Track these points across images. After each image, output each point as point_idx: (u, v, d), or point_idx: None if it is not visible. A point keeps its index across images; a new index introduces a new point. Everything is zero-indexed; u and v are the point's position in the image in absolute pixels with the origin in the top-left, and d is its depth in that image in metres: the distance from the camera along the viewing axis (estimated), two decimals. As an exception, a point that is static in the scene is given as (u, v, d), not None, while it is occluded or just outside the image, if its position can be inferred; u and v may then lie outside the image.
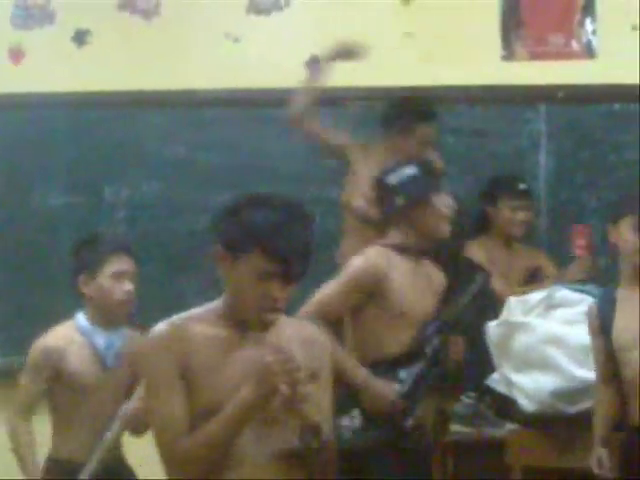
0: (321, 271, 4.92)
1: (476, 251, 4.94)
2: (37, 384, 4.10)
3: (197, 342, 2.70)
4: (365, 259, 4.08)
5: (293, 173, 5.46)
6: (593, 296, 4.61)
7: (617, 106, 5.40)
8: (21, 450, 4.14)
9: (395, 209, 4.08)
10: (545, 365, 4.52)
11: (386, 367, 4.02)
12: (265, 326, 2.71)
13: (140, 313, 4.21)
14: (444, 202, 4.15)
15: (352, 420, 3.99)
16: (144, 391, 2.88)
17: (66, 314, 4.96)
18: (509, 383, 4.54)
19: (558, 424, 4.52)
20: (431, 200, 4.04)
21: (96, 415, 3.83)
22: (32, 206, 5.66)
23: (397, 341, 4.02)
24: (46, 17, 5.68)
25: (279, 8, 5.57)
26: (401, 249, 4.06)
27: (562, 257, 5.13)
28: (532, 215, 5.07)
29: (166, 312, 3.18)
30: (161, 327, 2.78)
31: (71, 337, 4.10)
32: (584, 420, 4.39)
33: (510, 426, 4.57)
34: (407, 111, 5.10)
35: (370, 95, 5.32)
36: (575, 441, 4.50)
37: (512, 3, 5.52)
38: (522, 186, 5.04)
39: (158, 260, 5.01)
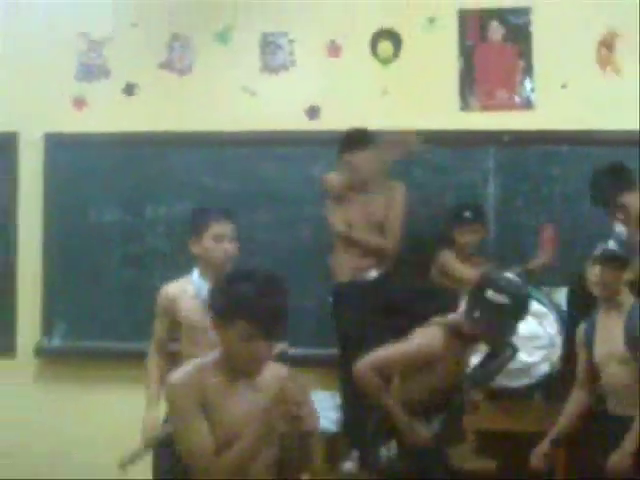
0: (315, 274, 5.50)
1: (449, 256, 5.17)
2: (163, 323, 4.41)
3: (206, 387, 2.89)
4: (428, 340, 4.13)
5: (293, 197, 5.73)
6: (534, 297, 4.83)
7: (550, 148, 5.61)
8: (148, 380, 4.39)
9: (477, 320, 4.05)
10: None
11: (422, 411, 4.18)
12: (254, 374, 2.94)
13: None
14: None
15: (389, 450, 4.18)
16: (174, 422, 3.00)
17: (114, 304, 5.87)
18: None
19: (504, 396, 4.90)
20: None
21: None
22: (90, 221, 6.01)
23: (435, 392, 4.17)
24: (103, 73, 6.01)
25: (286, 68, 5.85)
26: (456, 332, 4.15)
27: (508, 265, 5.08)
28: (482, 234, 5.32)
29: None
30: (179, 373, 2.97)
31: (185, 287, 4.34)
32: (524, 393, 4.92)
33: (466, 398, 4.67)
34: (340, 142, 5.32)
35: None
36: (517, 409, 4.93)
37: (468, 65, 5.73)
38: (468, 214, 5.27)
39: (190, 264, 4.68)
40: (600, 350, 4.23)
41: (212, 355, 2.98)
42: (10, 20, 6.10)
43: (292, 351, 4.60)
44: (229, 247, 4.27)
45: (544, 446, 4.31)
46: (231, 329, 2.85)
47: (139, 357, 4.82)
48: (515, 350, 4.39)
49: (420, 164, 5.63)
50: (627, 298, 4.25)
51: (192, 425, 2.85)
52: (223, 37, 5.91)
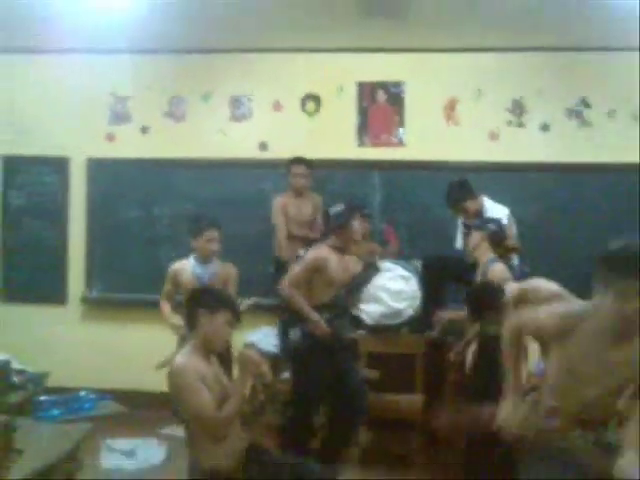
0: (262, 251, 6.27)
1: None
2: (169, 286, 4.99)
3: (199, 366, 3.15)
4: (316, 253, 4.66)
5: (250, 202, 6.52)
6: (401, 266, 5.58)
7: (415, 172, 6.48)
8: (164, 314, 4.85)
9: (330, 228, 4.75)
10: (377, 300, 5.52)
11: (320, 308, 4.68)
12: (220, 350, 3.29)
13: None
14: (358, 224, 4.81)
15: (297, 333, 4.68)
16: (183, 394, 3.11)
17: (135, 269, 6.59)
18: (360, 309, 5.53)
19: (384, 330, 5.39)
20: (349, 225, 4.72)
21: None
22: (118, 216, 6.84)
23: (327, 295, 4.70)
24: (126, 118, 6.87)
25: (246, 118, 6.75)
26: (334, 248, 4.70)
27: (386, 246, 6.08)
28: (370, 226, 5.89)
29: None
30: (179, 359, 3.18)
31: (185, 266, 4.94)
32: (397, 328, 5.52)
33: (360, 332, 5.50)
34: (289, 161, 6.06)
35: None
36: (392, 338, 5.50)
37: (363, 118, 6.63)
38: (366, 211, 5.81)
39: (187, 249, 5.29)
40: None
41: (190, 346, 3.25)
42: (65, 83, 6.88)
43: (254, 300, 5.50)
44: (216, 246, 4.96)
45: (460, 346, 4.78)
46: (219, 316, 3.20)
47: (154, 305, 5.62)
48: (377, 267, 5.09)
49: (331, 181, 6.54)
50: (487, 255, 4.74)
51: (197, 392, 3.08)
52: (206, 97, 6.75)
